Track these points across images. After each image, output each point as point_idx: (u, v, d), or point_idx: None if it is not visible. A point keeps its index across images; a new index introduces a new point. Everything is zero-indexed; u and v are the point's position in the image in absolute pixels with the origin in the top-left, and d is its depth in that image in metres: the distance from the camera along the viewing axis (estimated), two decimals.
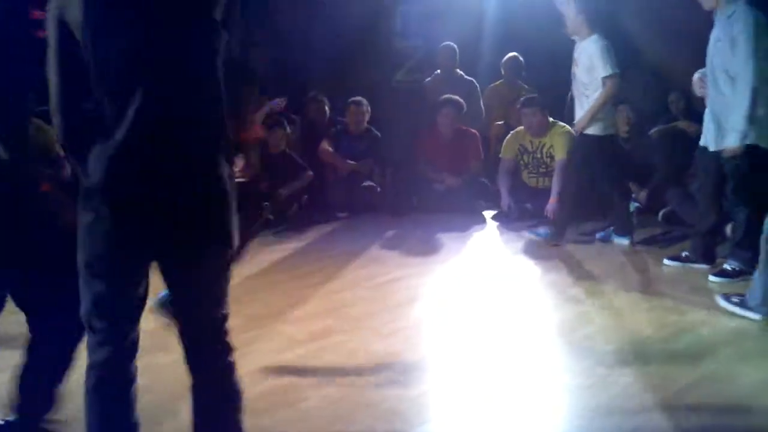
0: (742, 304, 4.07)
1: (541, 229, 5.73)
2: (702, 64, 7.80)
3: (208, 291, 2.04)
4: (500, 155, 6.76)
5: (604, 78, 5.23)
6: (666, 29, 7.68)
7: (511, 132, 6.75)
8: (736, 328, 3.90)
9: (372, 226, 6.30)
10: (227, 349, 2.10)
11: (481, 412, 3.03)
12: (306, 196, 6.87)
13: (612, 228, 5.74)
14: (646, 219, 6.20)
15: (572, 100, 5.86)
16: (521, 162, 6.68)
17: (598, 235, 5.77)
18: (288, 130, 6.57)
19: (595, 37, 5.30)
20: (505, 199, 6.53)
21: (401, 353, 3.62)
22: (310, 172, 6.65)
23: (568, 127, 6.41)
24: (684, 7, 7.29)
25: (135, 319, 2.04)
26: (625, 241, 5.59)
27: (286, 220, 6.37)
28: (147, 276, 2.04)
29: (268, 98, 6.39)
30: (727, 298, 4.19)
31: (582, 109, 5.41)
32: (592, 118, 5.30)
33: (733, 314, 4.04)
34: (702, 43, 7.85)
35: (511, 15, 7.83)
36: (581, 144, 5.48)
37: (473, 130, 6.91)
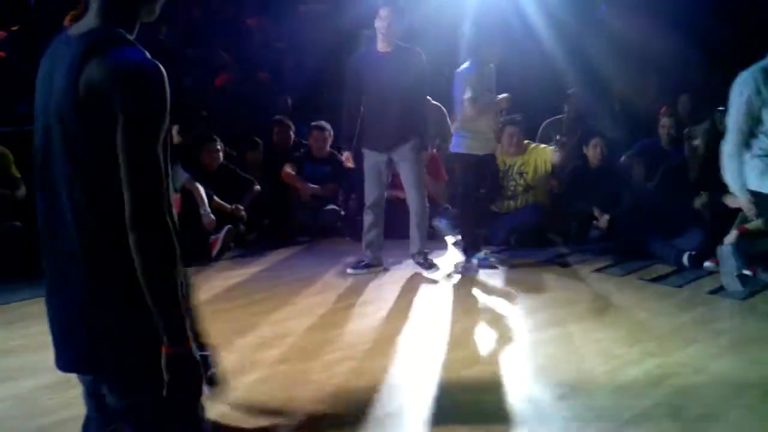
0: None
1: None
2: (668, 93, 7.95)
3: None
4: None
5: None
6: (633, 60, 7.77)
7: None
8: (682, 361, 3.86)
9: (332, 251, 6.24)
10: None
11: None
12: (267, 220, 6.82)
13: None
14: (605, 246, 6.17)
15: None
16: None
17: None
18: (219, 143, 6.46)
19: None
20: None
21: (345, 384, 3.56)
22: (257, 186, 6.61)
23: (544, 146, 6.71)
24: (651, 37, 7.43)
25: None
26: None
27: (247, 244, 6.33)
28: None
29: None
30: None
31: None
32: None
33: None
34: (667, 74, 7.97)
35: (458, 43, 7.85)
36: None
37: (435, 153, 6.89)
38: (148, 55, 1.63)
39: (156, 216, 1.60)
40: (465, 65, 5.48)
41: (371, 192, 5.51)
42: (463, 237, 5.89)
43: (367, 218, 5.55)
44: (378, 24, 5.25)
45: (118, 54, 1.59)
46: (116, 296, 1.68)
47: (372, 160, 5.44)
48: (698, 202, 5.96)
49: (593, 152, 6.65)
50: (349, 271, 5.51)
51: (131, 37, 1.68)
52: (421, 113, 5.49)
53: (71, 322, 1.73)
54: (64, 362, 1.79)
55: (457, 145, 5.63)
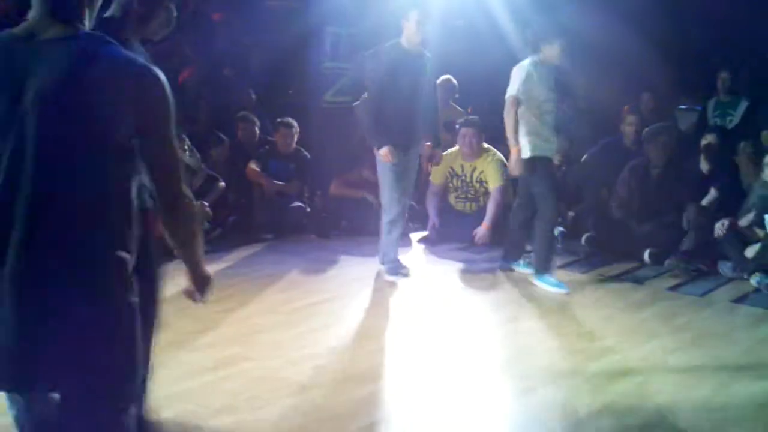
0: None
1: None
2: (630, 91, 8.04)
3: None
4: (430, 179, 6.75)
5: None
6: (595, 59, 7.84)
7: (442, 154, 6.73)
8: (642, 355, 3.93)
9: (297, 248, 6.23)
10: None
11: None
12: (232, 217, 6.78)
13: None
14: (569, 243, 6.25)
15: None
16: (450, 185, 6.69)
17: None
18: (186, 142, 6.40)
19: None
20: (432, 219, 6.55)
21: (310, 380, 3.55)
22: (222, 183, 6.57)
23: (500, 154, 6.46)
24: (612, 36, 7.51)
25: None
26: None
27: (211, 241, 6.27)
28: None
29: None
30: None
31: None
32: None
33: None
34: (629, 73, 8.07)
35: (446, 38, 7.87)
36: None
37: None
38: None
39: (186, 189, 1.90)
40: (524, 62, 5.19)
41: (401, 191, 5.32)
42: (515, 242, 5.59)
43: (402, 221, 5.39)
44: (412, 24, 5.10)
45: (119, 55, 1.76)
46: (92, 287, 1.73)
47: (398, 158, 5.25)
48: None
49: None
50: (392, 278, 5.32)
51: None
52: (436, 112, 5.54)
53: (53, 326, 1.69)
54: (36, 375, 1.74)
55: (530, 148, 5.16)
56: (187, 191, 1.90)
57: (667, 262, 5.62)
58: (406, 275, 5.42)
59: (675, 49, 7.99)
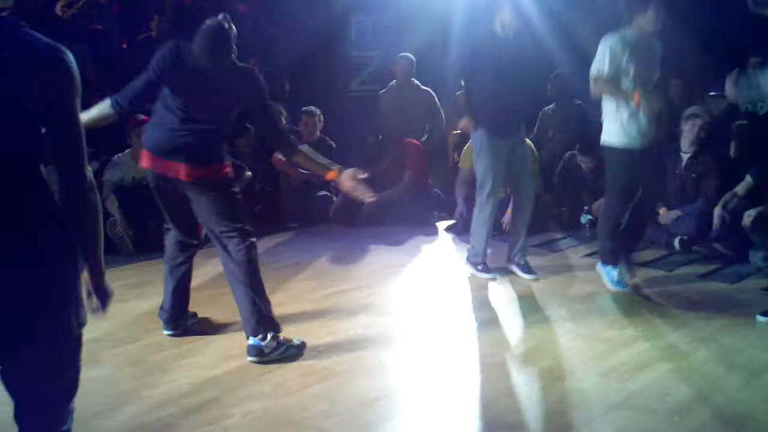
0: None
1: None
2: (660, 79, 7.92)
3: None
4: (459, 165, 6.73)
5: None
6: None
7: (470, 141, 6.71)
8: (670, 345, 3.90)
9: (323, 237, 6.24)
10: None
11: (411, 429, 3.01)
12: (258, 206, 6.81)
13: None
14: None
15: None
16: None
17: None
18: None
19: None
20: (460, 207, 6.52)
21: (335, 369, 3.57)
22: (249, 172, 6.60)
23: (528, 141, 6.42)
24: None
25: None
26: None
27: None
28: None
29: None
30: None
31: None
32: None
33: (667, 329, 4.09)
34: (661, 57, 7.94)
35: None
36: None
37: (415, 142, 6.90)
38: None
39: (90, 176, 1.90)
40: (610, 35, 4.61)
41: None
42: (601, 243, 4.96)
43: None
44: (506, 13, 4.89)
45: (29, 37, 1.78)
46: None
47: (497, 144, 5.08)
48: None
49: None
50: (487, 276, 5.11)
51: None
52: None
53: None
54: None
55: (608, 133, 4.72)
56: (91, 179, 1.89)
57: (695, 249, 5.55)
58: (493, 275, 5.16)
59: (704, 34, 7.86)
